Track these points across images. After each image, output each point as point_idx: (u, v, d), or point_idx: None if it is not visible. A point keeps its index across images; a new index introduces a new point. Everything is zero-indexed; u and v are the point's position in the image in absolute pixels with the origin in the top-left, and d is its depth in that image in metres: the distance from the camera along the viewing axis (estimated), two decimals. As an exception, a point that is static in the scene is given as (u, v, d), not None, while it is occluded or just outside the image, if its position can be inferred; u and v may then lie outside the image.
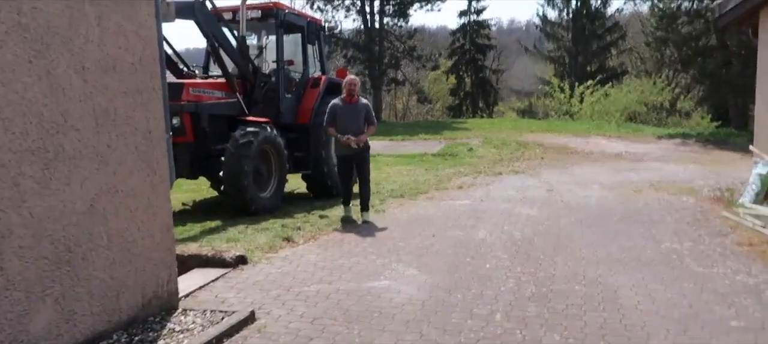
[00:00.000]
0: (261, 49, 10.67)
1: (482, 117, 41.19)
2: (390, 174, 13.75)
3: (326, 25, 11.83)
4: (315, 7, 34.62)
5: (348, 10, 36.31)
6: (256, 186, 8.69)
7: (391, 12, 36.68)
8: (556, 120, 32.01)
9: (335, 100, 8.16)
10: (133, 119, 4.08)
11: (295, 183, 11.39)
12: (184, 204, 10.07)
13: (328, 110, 8.13)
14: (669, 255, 6.34)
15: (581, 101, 33.32)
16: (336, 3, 35.80)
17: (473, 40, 44.98)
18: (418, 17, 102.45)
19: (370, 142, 8.34)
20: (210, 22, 8.63)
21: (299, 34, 10.72)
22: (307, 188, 10.69)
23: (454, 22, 60.02)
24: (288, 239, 7.03)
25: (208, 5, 8.72)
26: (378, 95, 36.59)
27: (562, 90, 34.54)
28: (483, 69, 46.11)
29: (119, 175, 3.94)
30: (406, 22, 37.19)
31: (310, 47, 10.84)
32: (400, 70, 39.00)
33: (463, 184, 11.80)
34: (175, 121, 8.42)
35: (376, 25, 36.09)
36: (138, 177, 4.12)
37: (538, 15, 44.47)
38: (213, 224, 7.87)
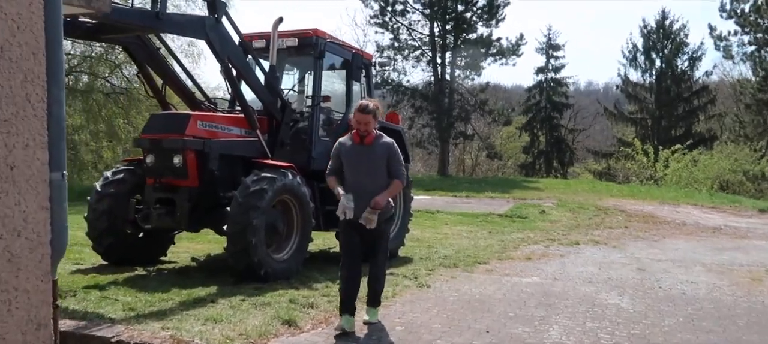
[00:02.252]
0: (300, 82, 9.22)
1: (556, 177, 38.83)
2: (447, 235, 11.94)
3: (376, 59, 10.25)
4: (384, 55, 33.54)
5: (418, 59, 35.06)
6: (272, 245, 7.04)
7: (462, 64, 35.19)
8: (639, 185, 29.33)
9: (342, 139, 5.50)
10: (-24, 143, 2.48)
11: (332, 241, 9.69)
12: (193, 259, 8.50)
13: (332, 151, 5.53)
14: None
15: (666, 166, 30.59)
16: (406, 52, 34.66)
17: (550, 98, 43.06)
18: (492, 72, 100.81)
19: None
20: (225, 45, 7.14)
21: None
22: (342, 249, 8.93)
23: (530, 79, 58.10)
24: (290, 323, 5.24)
25: (227, 26, 7.24)
26: (445, 148, 34.93)
27: (646, 153, 31.90)
28: (559, 128, 44.05)
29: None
30: (479, 75, 35.58)
31: (355, 84, 9.27)
32: (469, 123, 37.21)
33: (533, 254, 9.79)
34: (176, 159, 6.95)
35: (447, 77, 34.62)
36: (-25, 240, 2.48)
37: (619, 75, 42.34)
38: (204, 291, 6.20)
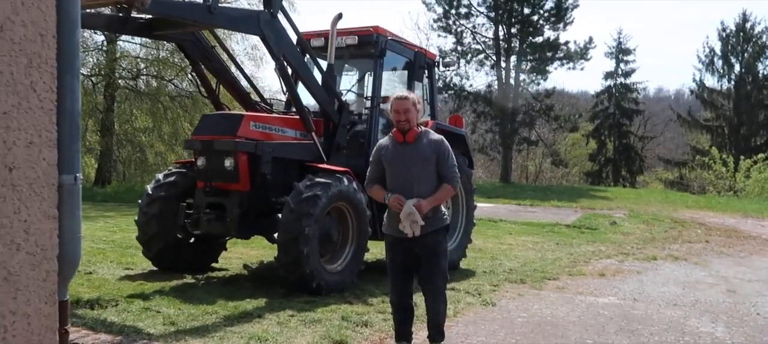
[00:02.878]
0: (360, 83, 8.81)
1: (624, 186, 37.28)
2: (512, 247, 11.26)
3: (440, 59, 9.69)
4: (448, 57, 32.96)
5: (481, 63, 34.27)
6: (325, 255, 6.61)
7: (528, 68, 34.18)
8: (716, 196, 27.68)
9: (382, 140, 4.64)
10: (-34, 139, 2.09)
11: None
12: (245, 266, 8.16)
13: (371, 156, 4.67)
14: None
15: (747, 177, 28.78)
16: (469, 56, 33.95)
17: (619, 104, 41.45)
18: (558, 77, 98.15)
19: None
20: (281, 42, 6.75)
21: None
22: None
23: (597, 85, 56.36)
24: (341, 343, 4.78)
25: (284, 22, 6.85)
26: (508, 154, 33.99)
27: (725, 163, 30.13)
28: (628, 135, 42.31)
29: None
30: (545, 79, 34.49)
31: (417, 85, 8.76)
32: (534, 129, 36.14)
33: (606, 270, 9.03)
34: (227, 162, 6.61)
35: (511, 81, 33.68)
36: (-37, 254, 2.10)
37: (694, 80, 40.42)
38: (251, 304, 5.80)
